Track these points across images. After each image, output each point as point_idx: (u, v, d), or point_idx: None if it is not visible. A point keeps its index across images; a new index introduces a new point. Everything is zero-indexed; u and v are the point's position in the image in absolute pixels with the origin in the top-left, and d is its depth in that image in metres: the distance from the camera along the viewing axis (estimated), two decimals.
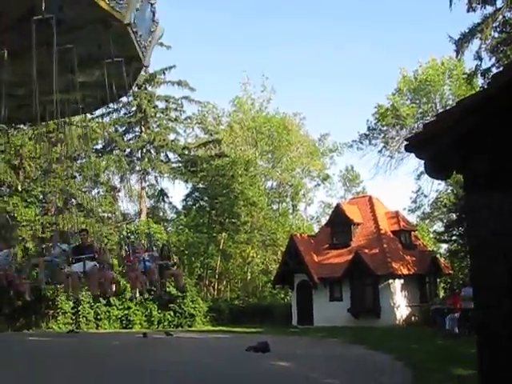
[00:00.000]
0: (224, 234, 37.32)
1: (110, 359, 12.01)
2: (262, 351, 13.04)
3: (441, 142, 4.37)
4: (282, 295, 35.20)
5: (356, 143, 40.80)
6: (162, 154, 38.94)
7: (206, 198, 38.98)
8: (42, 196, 30.19)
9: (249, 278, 39.36)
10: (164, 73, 37.09)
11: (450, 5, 22.18)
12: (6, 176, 27.79)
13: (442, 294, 28.74)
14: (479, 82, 25.49)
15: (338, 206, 30.44)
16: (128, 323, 27.54)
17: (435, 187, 39.98)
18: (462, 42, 23.41)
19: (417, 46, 68.71)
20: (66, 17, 10.26)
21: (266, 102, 45.77)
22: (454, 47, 23.67)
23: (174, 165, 39.25)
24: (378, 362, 11.79)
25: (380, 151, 39.95)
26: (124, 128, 38.91)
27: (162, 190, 40.22)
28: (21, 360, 11.41)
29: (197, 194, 40.14)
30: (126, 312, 27.56)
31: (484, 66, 23.17)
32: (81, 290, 13.49)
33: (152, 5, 11.94)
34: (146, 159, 37.50)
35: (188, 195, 40.53)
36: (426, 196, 41.59)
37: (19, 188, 28.34)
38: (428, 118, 34.02)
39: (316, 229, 40.40)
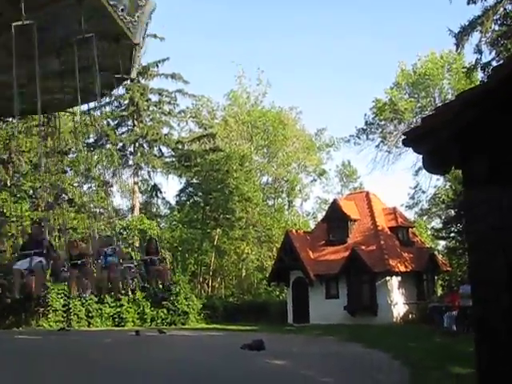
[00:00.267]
0: (218, 230, 36.99)
1: (102, 357, 11.91)
2: (257, 349, 13.05)
3: (439, 136, 4.33)
4: (278, 292, 34.95)
5: (353, 138, 40.61)
6: (155, 149, 38.52)
7: (200, 194, 38.58)
8: (31, 191, 29.70)
9: (243, 274, 38.98)
10: (157, 65, 36.65)
11: None
12: None
13: (439, 291, 28.65)
14: (479, 75, 25.22)
15: (334, 202, 30.17)
16: (120, 321, 27.11)
17: (433, 183, 39.90)
18: (461, 35, 23.24)
19: (417, 39, 68.62)
20: None
21: (261, 96, 45.29)
22: (454, 40, 23.51)
23: (167, 159, 38.85)
24: (375, 360, 11.65)
25: (377, 146, 39.78)
26: (116, 121, 38.41)
27: (155, 185, 39.83)
28: (10, 359, 11.21)
29: (191, 189, 39.75)
30: (119, 309, 27.09)
31: (484, 60, 23.01)
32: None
33: None
34: (139, 153, 37.03)
35: (182, 190, 40.17)
36: (423, 192, 41.38)
37: (8, 183, 27.93)
38: (427, 112, 33.60)
39: (312, 225, 40.01)
